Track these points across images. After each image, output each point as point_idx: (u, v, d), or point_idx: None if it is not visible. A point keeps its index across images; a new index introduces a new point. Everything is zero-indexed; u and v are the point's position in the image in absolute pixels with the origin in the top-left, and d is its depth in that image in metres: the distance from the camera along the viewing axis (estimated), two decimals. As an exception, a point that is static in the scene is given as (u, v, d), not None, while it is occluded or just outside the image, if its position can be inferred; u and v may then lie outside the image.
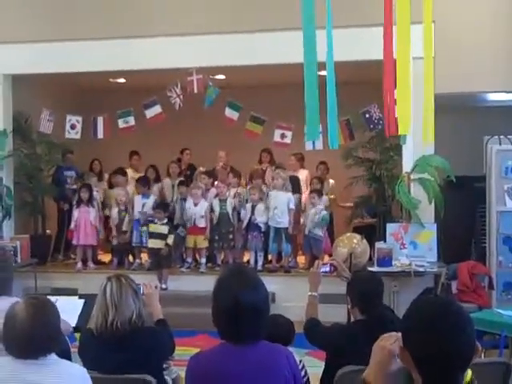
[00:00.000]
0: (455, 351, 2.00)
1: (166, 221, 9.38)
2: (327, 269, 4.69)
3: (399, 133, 3.55)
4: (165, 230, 9.29)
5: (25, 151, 10.33)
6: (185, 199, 9.71)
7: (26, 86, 10.18)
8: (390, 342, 2.15)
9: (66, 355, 3.55)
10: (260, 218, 9.38)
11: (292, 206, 9.41)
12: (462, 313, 2.07)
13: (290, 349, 3.19)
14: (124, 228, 9.86)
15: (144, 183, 10.02)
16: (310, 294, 4.46)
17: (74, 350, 3.95)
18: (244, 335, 2.77)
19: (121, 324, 3.48)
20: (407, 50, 3.53)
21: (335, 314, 6.44)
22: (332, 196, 10.15)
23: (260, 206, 9.41)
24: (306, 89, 3.37)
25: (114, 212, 9.95)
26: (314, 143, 8.88)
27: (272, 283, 8.67)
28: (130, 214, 9.85)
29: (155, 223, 9.37)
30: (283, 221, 9.36)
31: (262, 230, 9.43)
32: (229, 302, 2.74)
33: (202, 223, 9.52)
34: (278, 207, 9.31)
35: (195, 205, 9.54)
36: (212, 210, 9.60)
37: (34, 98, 10.50)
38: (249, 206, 9.48)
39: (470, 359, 2.04)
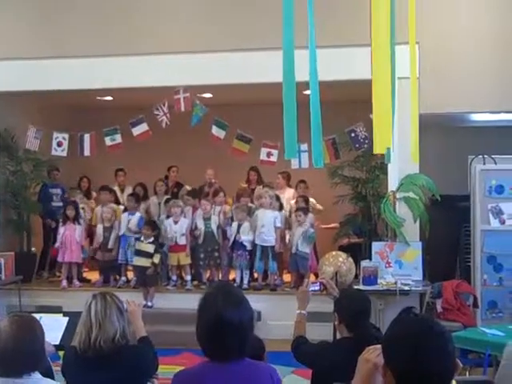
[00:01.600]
0: (436, 370, 2.01)
1: (152, 239, 9.37)
2: (317, 287, 4.70)
3: (377, 151, 3.59)
4: (151, 248, 9.28)
5: (11, 168, 10.30)
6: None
7: (12, 103, 10.17)
8: (374, 354, 2.16)
9: (48, 374, 3.53)
10: (245, 237, 9.39)
11: (279, 224, 9.44)
12: (443, 332, 2.08)
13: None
14: (110, 245, 9.85)
15: (136, 199, 10.03)
16: (298, 312, 4.46)
17: (57, 369, 3.93)
18: (228, 352, 2.77)
19: (104, 342, 3.47)
20: (387, 68, 3.58)
21: (321, 332, 6.44)
22: (320, 207, 10.16)
23: (246, 225, 9.42)
24: (285, 108, 3.41)
25: (99, 229, 9.94)
26: (300, 162, 8.93)
27: (258, 301, 8.67)
28: (115, 231, 9.84)
29: (141, 241, 9.36)
30: (270, 239, 9.38)
31: (248, 248, 9.44)
32: (213, 319, 2.74)
33: (182, 241, 9.54)
34: (265, 225, 9.33)
35: (175, 223, 9.55)
36: (197, 227, 9.61)
37: (21, 115, 10.48)
38: (235, 224, 9.49)
39: (451, 377, 2.05)
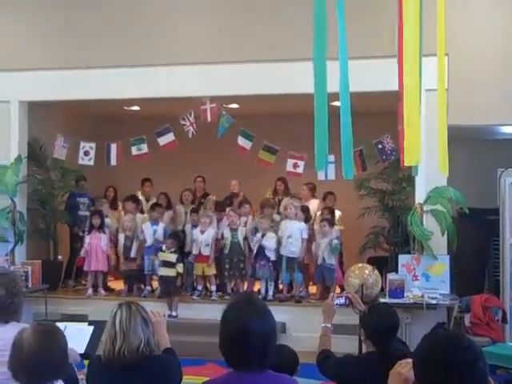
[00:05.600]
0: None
1: (174, 249, 9.37)
2: (342, 301, 4.66)
3: (408, 164, 3.55)
4: (173, 258, 9.28)
5: (39, 177, 10.40)
6: (196, 226, 9.72)
7: (41, 113, 10.28)
8: (406, 369, 2.13)
9: (73, 383, 3.53)
10: (267, 242, 9.35)
11: (305, 235, 9.39)
12: (474, 347, 2.05)
13: (297, 379, 3.16)
14: (132, 255, 9.88)
15: (159, 210, 10.06)
16: (323, 325, 4.43)
17: (82, 377, 3.93)
18: (250, 363, 2.75)
19: (128, 352, 3.45)
20: (417, 81, 3.54)
21: (346, 345, 6.39)
22: (341, 227, 10.05)
23: (269, 235, 9.39)
24: (316, 119, 3.39)
25: (121, 238, 9.98)
26: (326, 173, 8.89)
27: (283, 313, 8.64)
28: (137, 241, 9.86)
29: (163, 251, 9.37)
30: (296, 250, 9.33)
31: (271, 259, 9.40)
32: (236, 329, 2.74)
33: (206, 251, 9.53)
34: (292, 236, 9.29)
35: (202, 232, 9.55)
36: (223, 237, 9.60)
37: (49, 124, 10.58)
38: (259, 235, 9.45)
39: (483, 394, 2.01)
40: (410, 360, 2.13)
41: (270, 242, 9.35)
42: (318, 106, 3.39)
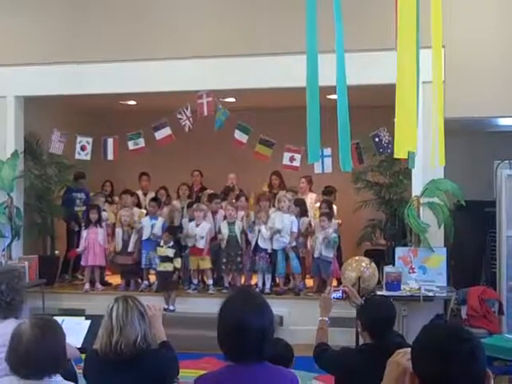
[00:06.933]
0: (466, 378, 1.98)
1: (172, 244, 9.37)
2: (339, 295, 4.68)
3: (401, 156, 3.54)
4: (170, 253, 9.28)
5: (35, 172, 10.38)
6: (193, 220, 9.72)
7: (37, 108, 10.25)
8: (405, 358, 2.13)
9: (72, 377, 3.53)
10: (266, 240, 9.36)
11: (294, 229, 9.38)
12: (473, 339, 2.05)
13: (295, 372, 3.17)
14: (130, 249, 9.87)
15: (158, 204, 10.06)
16: (320, 318, 4.44)
17: (79, 372, 3.93)
18: (249, 356, 2.78)
19: (125, 346, 3.45)
20: (413, 73, 3.53)
21: (343, 338, 6.40)
22: (338, 221, 10.05)
23: (265, 228, 9.39)
24: (308, 112, 3.38)
25: (118, 232, 9.97)
26: (323, 166, 8.89)
27: (280, 306, 8.65)
28: (135, 235, 9.86)
29: (161, 246, 9.36)
30: (287, 242, 9.36)
31: (268, 251, 9.41)
32: (233, 323, 2.76)
33: (200, 244, 9.53)
34: (283, 230, 9.30)
35: (197, 226, 9.55)
36: (220, 232, 9.60)
37: (46, 119, 10.57)
38: (257, 228, 9.46)
39: (481, 384, 2.02)
40: (409, 349, 2.12)
41: (266, 238, 9.37)
42: (309, 99, 3.39)
